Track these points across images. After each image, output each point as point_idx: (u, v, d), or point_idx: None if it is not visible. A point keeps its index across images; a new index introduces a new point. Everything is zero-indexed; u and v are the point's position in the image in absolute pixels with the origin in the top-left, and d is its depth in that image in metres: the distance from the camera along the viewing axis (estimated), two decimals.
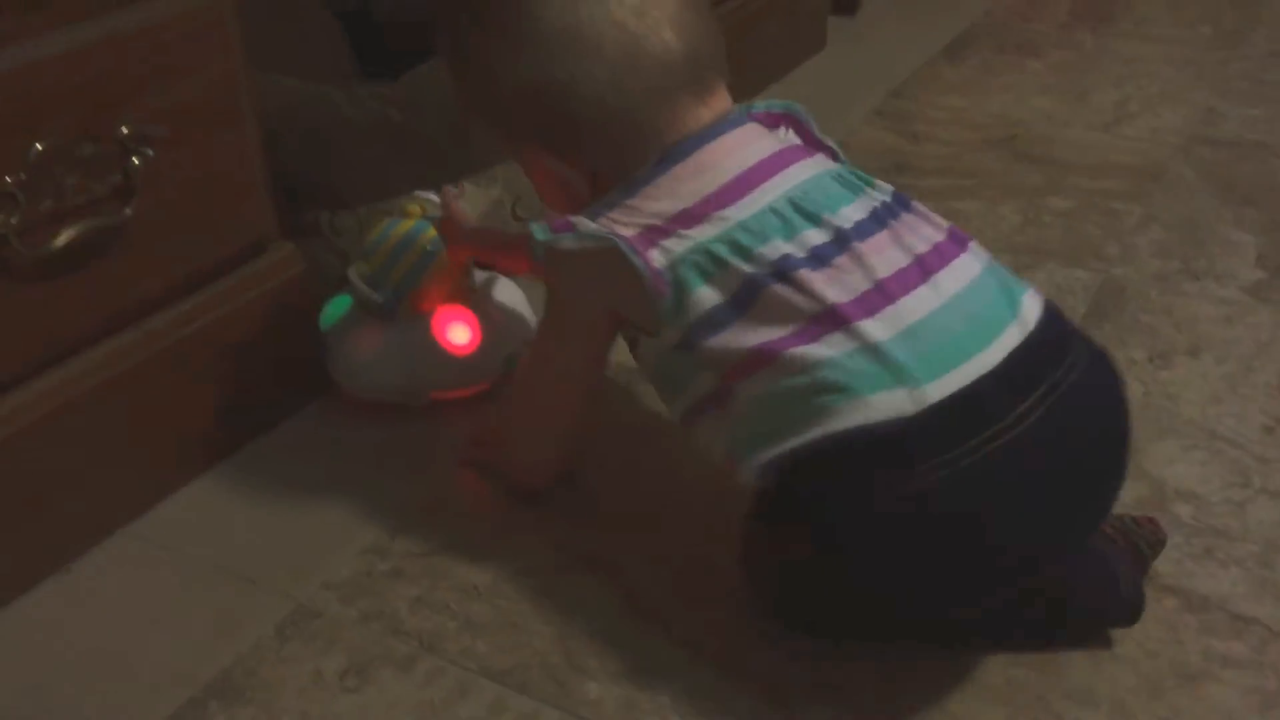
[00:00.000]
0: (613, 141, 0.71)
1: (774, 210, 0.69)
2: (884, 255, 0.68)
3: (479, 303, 0.92)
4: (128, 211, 0.77)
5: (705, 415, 0.71)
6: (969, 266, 0.70)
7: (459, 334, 0.91)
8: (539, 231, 0.71)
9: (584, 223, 0.70)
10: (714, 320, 0.68)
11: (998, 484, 0.63)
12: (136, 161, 0.77)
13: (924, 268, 0.68)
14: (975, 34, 1.65)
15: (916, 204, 0.73)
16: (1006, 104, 1.44)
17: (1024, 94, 1.47)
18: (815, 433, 0.65)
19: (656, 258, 0.69)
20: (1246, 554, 0.79)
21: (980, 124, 1.39)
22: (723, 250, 0.68)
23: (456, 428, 0.91)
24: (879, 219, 0.70)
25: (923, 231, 0.71)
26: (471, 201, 1.00)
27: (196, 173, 0.82)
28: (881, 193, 0.73)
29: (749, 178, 0.70)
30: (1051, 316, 0.69)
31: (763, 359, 0.67)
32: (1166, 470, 0.86)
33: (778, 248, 0.68)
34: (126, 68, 0.76)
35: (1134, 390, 0.93)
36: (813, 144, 0.77)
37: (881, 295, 0.67)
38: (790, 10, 1.50)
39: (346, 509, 0.85)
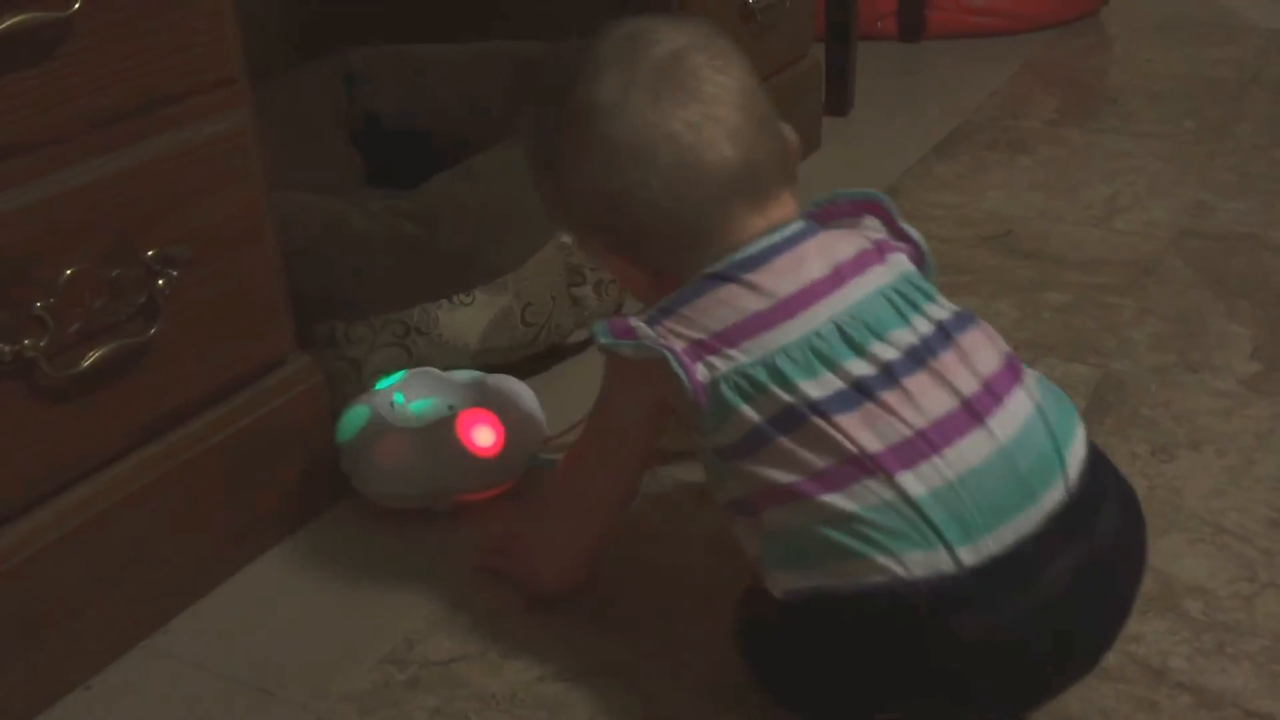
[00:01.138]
0: (669, 245, 0.74)
1: (820, 336, 0.69)
2: (930, 396, 0.68)
3: (499, 404, 0.94)
4: (153, 331, 0.79)
5: (739, 518, 0.73)
6: (1022, 405, 0.70)
7: (483, 436, 0.92)
8: (601, 335, 0.73)
9: (642, 328, 0.72)
10: (750, 441, 0.69)
11: (1026, 644, 0.66)
12: (161, 283, 0.79)
13: (973, 411, 0.68)
14: (966, 131, 1.70)
15: (976, 325, 0.73)
16: (999, 200, 1.47)
17: (1016, 190, 1.50)
18: (844, 582, 0.66)
19: (701, 371, 0.70)
20: (1257, 649, 0.79)
21: (975, 220, 1.42)
22: (762, 375, 0.69)
23: (476, 533, 0.92)
24: (920, 356, 0.69)
25: (976, 363, 0.70)
26: (481, 310, 1.03)
27: (219, 290, 0.85)
28: (941, 310, 0.73)
29: (799, 299, 0.71)
30: (1092, 461, 0.70)
31: (792, 495, 0.68)
32: (1174, 565, 0.87)
33: (819, 380, 0.68)
34: (153, 193, 0.79)
35: (1139, 485, 0.94)
36: (896, 233, 0.77)
37: (924, 443, 0.67)
38: (786, 112, 1.54)
39: (364, 618, 0.86)
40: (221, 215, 0.84)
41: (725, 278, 0.72)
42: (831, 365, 0.69)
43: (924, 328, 0.71)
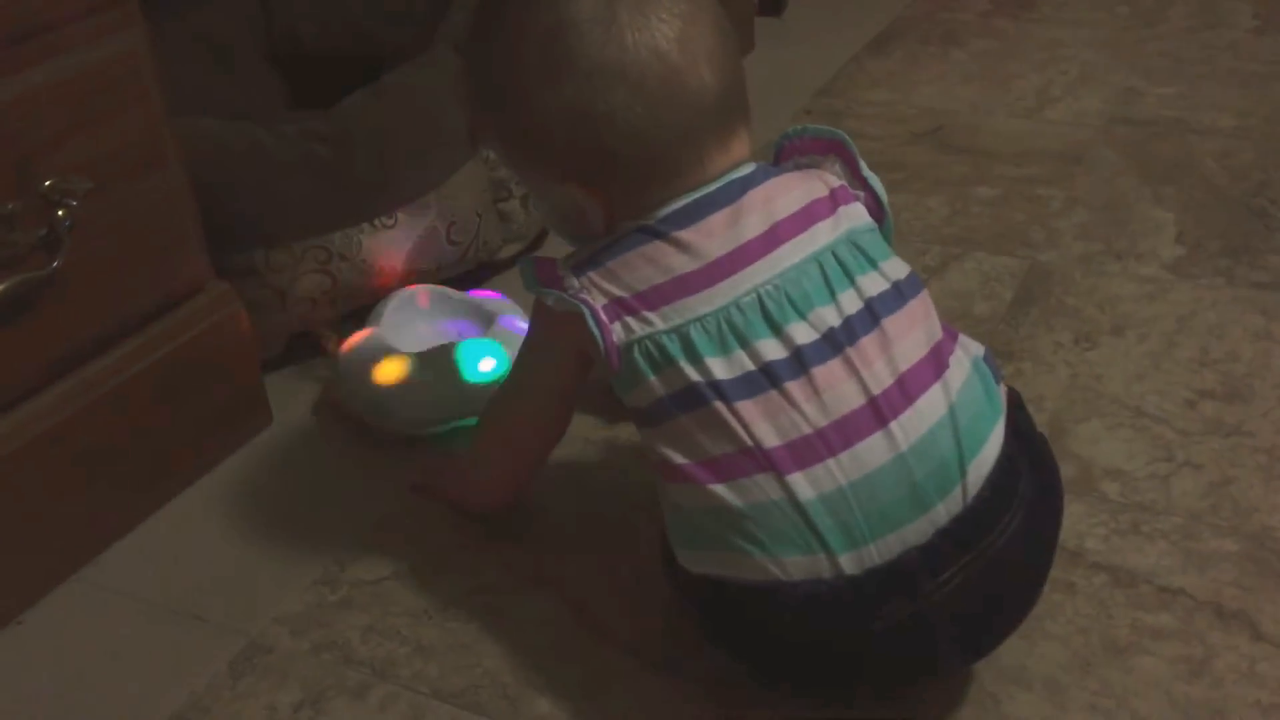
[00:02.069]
0: (639, 176, 0.69)
1: (739, 308, 0.67)
2: (836, 391, 0.65)
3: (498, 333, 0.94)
4: (55, 264, 0.78)
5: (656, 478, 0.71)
6: (933, 408, 0.66)
7: (485, 363, 0.92)
8: (528, 278, 0.72)
9: (568, 277, 0.69)
10: (654, 413, 0.68)
11: (893, 656, 0.65)
12: (61, 214, 0.77)
13: (878, 412, 0.65)
14: (900, 27, 1.68)
15: (909, 302, 0.69)
16: (932, 96, 1.47)
17: (949, 85, 1.49)
18: (730, 572, 0.66)
19: (618, 332, 0.68)
20: (1171, 527, 0.81)
21: (907, 117, 1.42)
22: (673, 347, 0.67)
23: (410, 456, 0.92)
24: (838, 341, 0.66)
25: (897, 352, 0.67)
26: (405, 231, 1.02)
27: (124, 220, 0.83)
28: (877, 282, 0.69)
29: (727, 262, 0.68)
30: (1003, 467, 0.67)
31: (685, 476, 0.67)
32: (1093, 449, 0.88)
33: (728, 359, 0.66)
34: (44, 123, 0.77)
35: (1061, 374, 0.96)
36: (857, 179, 0.73)
37: (822, 444, 0.64)
38: None
39: (294, 542, 0.86)
40: (120, 142, 0.82)
41: (657, 233, 0.69)
42: (744, 342, 0.66)
43: (850, 305, 0.67)
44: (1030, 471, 0.68)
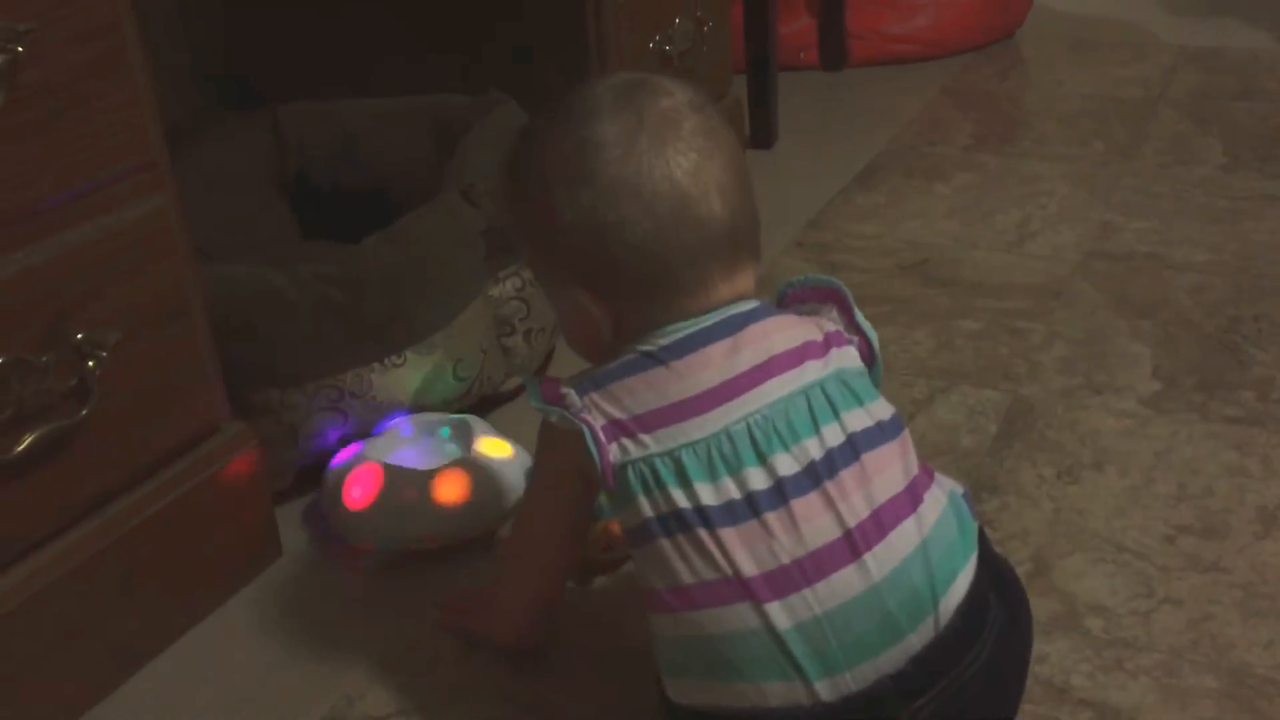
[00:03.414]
0: (645, 290, 0.74)
1: (729, 436, 0.70)
2: (814, 524, 0.69)
3: (472, 461, 0.98)
4: (84, 412, 0.81)
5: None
6: (906, 540, 0.69)
7: (450, 490, 0.96)
8: (533, 396, 0.76)
9: (570, 396, 0.74)
10: (639, 534, 0.72)
11: None
12: (91, 364, 0.82)
13: (853, 544, 0.68)
14: (885, 160, 1.75)
15: (890, 440, 0.73)
16: (916, 229, 1.53)
17: (932, 219, 1.55)
18: (712, 700, 0.69)
19: (614, 452, 0.72)
20: (1153, 663, 0.84)
21: (893, 250, 1.47)
22: (666, 470, 0.70)
23: (438, 593, 0.94)
24: (817, 475, 0.70)
25: (875, 487, 0.70)
26: (413, 369, 1.06)
27: (148, 367, 0.87)
28: (861, 418, 0.72)
29: (721, 391, 0.72)
30: (974, 597, 0.70)
31: (665, 604, 0.70)
32: (1076, 585, 0.91)
33: (716, 485, 0.70)
34: (79, 279, 0.81)
35: (1045, 508, 1.00)
36: (851, 325, 0.77)
37: (799, 574, 0.68)
38: None
39: (304, 676, 0.89)
40: (148, 294, 0.86)
41: (658, 360, 0.73)
42: (733, 470, 0.70)
43: (833, 438, 0.71)
44: (999, 602, 0.72)
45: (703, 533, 0.69)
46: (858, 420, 0.73)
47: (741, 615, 0.68)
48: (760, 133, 1.80)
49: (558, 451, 0.77)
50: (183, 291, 0.89)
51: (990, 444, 1.09)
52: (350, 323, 1.02)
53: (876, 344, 0.78)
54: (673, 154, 0.73)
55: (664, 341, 0.74)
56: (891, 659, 0.68)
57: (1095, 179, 1.63)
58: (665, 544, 0.70)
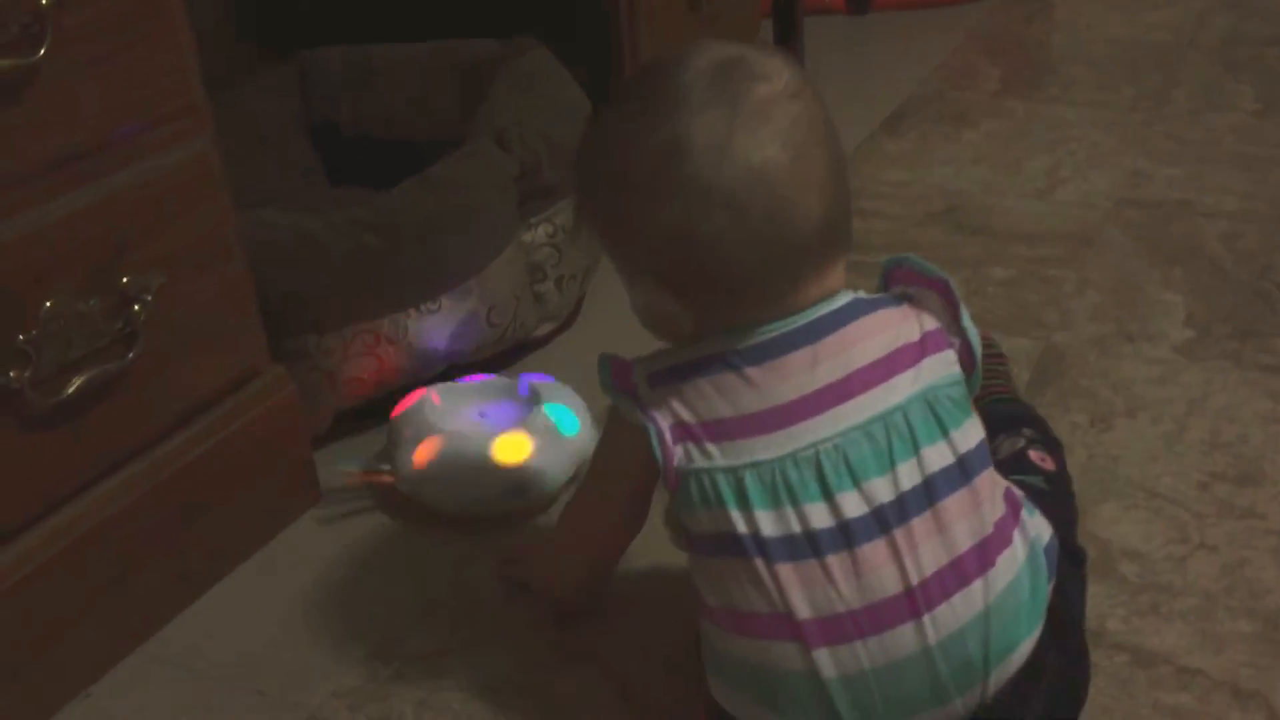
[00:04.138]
0: (732, 297, 0.69)
1: (795, 463, 0.67)
2: (877, 575, 0.65)
3: (536, 426, 0.97)
4: (131, 355, 0.82)
5: None
6: (970, 605, 0.66)
7: (513, 453, 0.96)
8: (605, 380, 0.73)
9: (641, 387, 0.70)
10: (697, 544, 0.70)
11: None
12: (137, 309, 0.82)
13: (914, 604, 0.65)
14: (913, 105, 1.74)
15: (969, 484, 0.68)
16: (946, 176, 1.52)
17: (961, 165, 1.55)
18: (744, 716, 0.69)
19: (679, 456, 0.69)
20: (1189, 608, 0.85)
21: (922, 197, 1.47)
22: (727, 488, 0.67)
23: (497, 541, 0.95)
24: (886, 522, 0.66)
25: (946, 540, 0.66)
26: (448, 315, 1.06)
27: (192, 311, 0.88)
28: (941, 455, 0.68)
29: (795, 409, 0.68)
30: (1031, 663, 0.68)
31: (715, 619, 0.69)
32: (1111, 531, 0.92)
33: (777, 513, 0.66)
34: (125, 223, 0.82)
35: (1078, 455, 1.00)
36: (955, 325, 0.71)
37: (853, 625, 0.65)
38: None
39: (346, 617, 0.90)
40: (191, 238, 0.87)
41: (732, 365, 0.69)
42: (795, 501, 0.66)
43: (908, 480, 0.67)
44: (1058, 658, 0.69)
45: (759, 563, 0.66)
46: (938, 458, 0.68)
47: (788, 655, 0.66)
48: None
49: (621, 438, 0.75)
50: (224, 236, 0.90)
51: (1023, 392, 1.09)
52: (386, 268, 1.02)
53: (979, 350, 0.72)
54: (770, 155, 0.66)
55: (744, 345, 0.69)
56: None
57: (1125, 125, 1.62)
58: (721, 564, 0.68)
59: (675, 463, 0.69)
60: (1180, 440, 1.02)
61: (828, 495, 0.66)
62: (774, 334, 0.69)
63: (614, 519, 0.82)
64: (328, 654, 0.87)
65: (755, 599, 0.66)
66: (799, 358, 0.69)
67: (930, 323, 0.71)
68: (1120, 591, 0.86)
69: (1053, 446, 0.89)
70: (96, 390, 0.81)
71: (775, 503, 0.67)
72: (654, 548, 0.94)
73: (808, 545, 0.66)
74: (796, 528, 0.66)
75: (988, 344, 0.89)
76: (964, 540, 0.67)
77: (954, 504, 0.67)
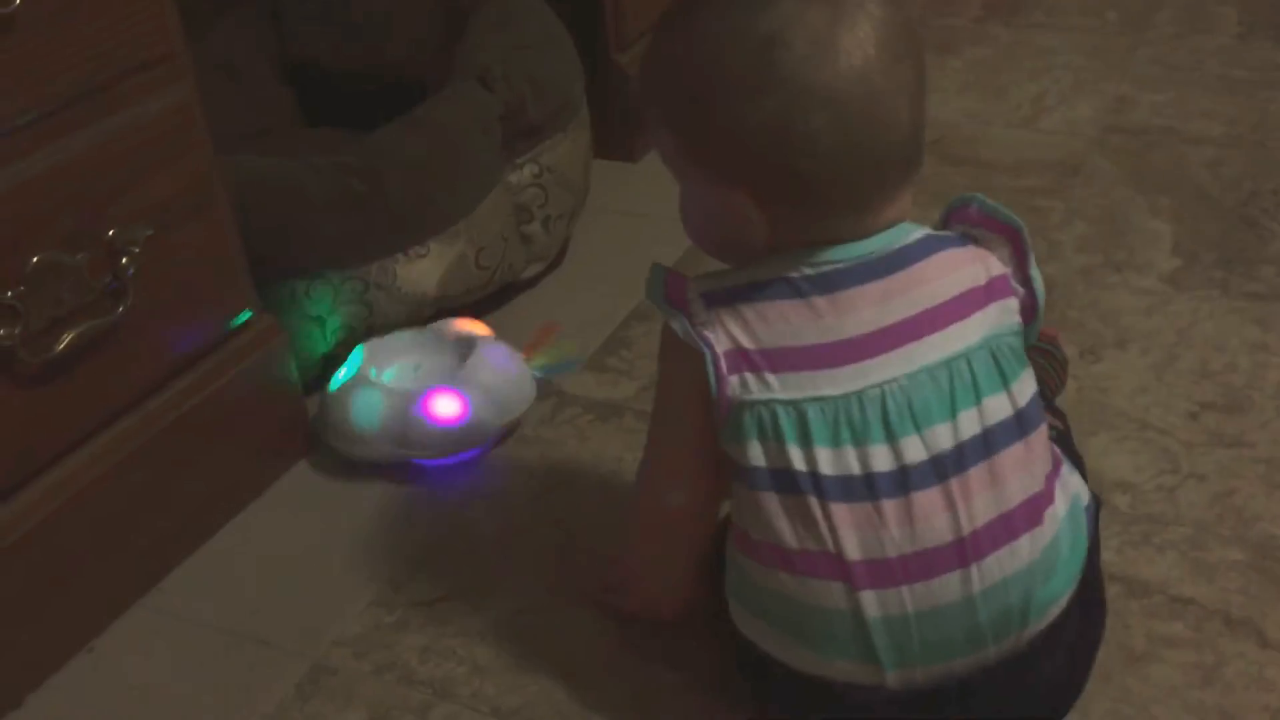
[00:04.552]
0: (816, 202, 0.66)
1: (861, 402, 0.65)
2: (929, 523, 0.65)
3: (470, 377, 0.96)
4: (121, 309, 0.81)
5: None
6: (1016, 558, 0.66)
7: (446, 407, 0.95)
8: (658, 293, 0.69)
9: (695, 304, 0.68)
10: (745, 475, 0.67)
11: None
12: (125, 261, 0.81)
13: (963, 553, 0.65)
14: None
15: (1024, 438, 0.67)
16: (931, 105, 1.50)
17: (946, 94, 1.53)
18: (774, 650, 0.69)
19: (734, 386, 0.66)
20: (1180, 538, 0.86)
21: None
22: (788, 423, 0.65)
23: (593, 575, 0.87)
24: (944, 469, 0.65)
25: (998, 493, 0.66)
26: (437, 259, 1.05)
27: (179, 261, 0.87)
28: (1001, 407, 0.67)
29: (862, 345, 0.66)
30: (1062, 617, 0.69)
31: (759, 555, 0.67)
32: (1103, 462, 0.93)
33: (837, 452, 0.65)
34: (108, 175, 0.80)
35: (1068, 387, 1.00)
36: (1022, 274, 0.70)
37: (902, 570, 0.65)
38: None
39: (346, 565, 0.90)
40: (175, 188, 0.85)
41: (800, 291, 0.67)
42: (857, 441, 0.65)
43: (968, 429, 0.66)
44: (1080, 615, 0.71)
45: (813, 500, 0.65)
46: (998, 409, 0.67)
47: (833, 594, 0.66)
48: None
49: (677, 368, 0.70)
50: (209, 185, 0.88)
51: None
52: (373, 213, 1.01)
53: (1042, 300, 0.71)
54: (871, 56, 0.63)
55: (812, 270, 0.67)
56: (966, 665, 0.67)
57: (1109, 50, 1.61)
58: (772, 498, 0.66)
59: (729, 391, 0.66)
60: (1169, 370, 1.02)
61: (890, 438, 0.65)
62: (845, 264, 0.67)
63: (685, 482, 0.73)
64: (329, 602, 0.87)
65: (805, 537, 0.66)
66: (869, 291, 0.67)
67: (996, 268, 0.70)
68: (1113, 522, 0.87)
69: (1058, 413, 0.88)
70: (88, 346, 0.81)
71: (836, 441, 0.65)
72: None
73: (864, 487, 0.65)
74: (856, 469, 0.65)
75: (1051, 345, 0.90)
76: (1016, 495, 0.67)
77: (1009, 457, 0.67)
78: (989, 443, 0.66)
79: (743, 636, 0.72)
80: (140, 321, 0.84)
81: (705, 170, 0.68)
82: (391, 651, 0.83)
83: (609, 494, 0.94)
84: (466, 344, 1.00)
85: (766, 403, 0.66)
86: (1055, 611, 0.68)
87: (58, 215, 0.78)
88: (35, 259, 0.76)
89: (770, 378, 0.66)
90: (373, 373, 0.98)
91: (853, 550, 0.65)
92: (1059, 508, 0.69)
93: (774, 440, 0.66)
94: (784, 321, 0.67)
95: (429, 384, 0.96)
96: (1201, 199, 1.26)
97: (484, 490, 0.96)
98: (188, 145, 0.86)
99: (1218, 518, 0.87)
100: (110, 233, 0.81)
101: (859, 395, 0.66)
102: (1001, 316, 0.69)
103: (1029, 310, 0.70)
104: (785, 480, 0.66)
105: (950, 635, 0.66)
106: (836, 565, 0.65)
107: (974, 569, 0.65)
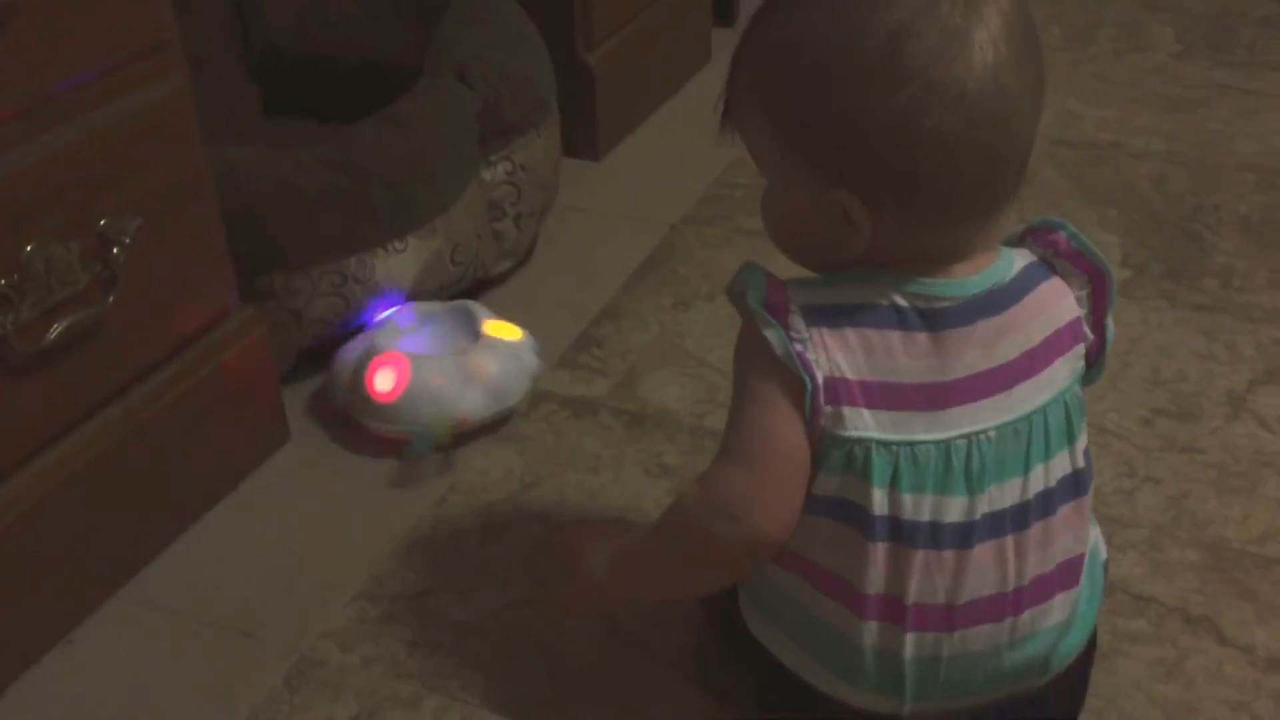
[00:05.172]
0: (930, 208, 0.62)
1: (954, 450, 0.63)
2: (981, 578, 0.64)
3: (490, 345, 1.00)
4: (111, 298, 0.81)
5: None
6: (1051, 616, 0.67)
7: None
8: (756, 295, 0.63)
9: (795, 319, 0.63)
10: (815, 504, 0.64)
11: None
12: (116, 251, 0.81)
13: (1005, 607, 0.65)
14: None
15: (1080, 497, 0.67)
16: None
17: None
18: (790, 662, 0.69)
19: (828, 417, 0.62)
20: (1140, 538, 0.90)
21: None
22: (880, 464, 0.62)
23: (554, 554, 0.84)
24: (1003, 526, 0.64)
25: (1050, 551, 0.66)
26: (414, 255, 1.06)
27: (167, 252, 0.86)
28: (1065, 463, 0.66)
29: (964, 388, 0.63)
30: (1075, 664, 0.70)
31: (810, 577, 0.66)
32: None
33: (916, 499, 0.63)
34: (101, 165, 0.80)
35: None
36: (1097, 320, 0.68)
37: (948, 619, 0.65)
38: (677, 27, 1.58)
39: (329, 556, 0.90)
40: (167, 179, 0.85)
41: (908, 321, 0.63)
42: (938, 490, 0.63)
43: (1035, 486, 0.65)
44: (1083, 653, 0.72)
45: (884, 545, 0.63)
46: (1061, 466, 0.66)
47: (878, 632, 0.65)
48: (723, 9, 1.78)
49: (772, 379, 0.63)
50: (198, 176, 0.88)
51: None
52: (354, 208, 1.01)
53: (1109, 349, 0.69)
54: (1004, 55, 0.59)
55: (923, 304, 0.63)
56: (981, 701, 0.68)
57: (1054, 65, 1.64)
58: (837, 529, 0.64)
59: (821, 422, 0.62)
60: (1124, 377, 1.07)
61: (971, 491, 0.63)
62: (961, 296, 0.63)
63: (761, 513, 0.64)
64: (313, 595, 0.87)
65: (867, 575, 0.64)
66: (975, 333, 0.63)
67: (1074, 309, 0.67)
68: None
69: None
70: (77, 335, 0.80)
71: (919, 487, 0.63)
72: (632, 491, 0.96)
73: (931, 535, 0.63)
74: (927, 515, 0.63)
75: None
76: (1061, 554, 0.66)
77: (1062, 518, 0.66)
78: (1048, 502, 0.65)
79: (760, 646, 0.72)
80: (128, 312, 0.83)
81: (810, 167, 0.63)
82: (379, 644, 0.83)
83: (588, 490, 0.96)
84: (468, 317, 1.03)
85: (860, 441, 0.62)
86: (1070, 660, 0.70)
87: (53, 204, 0.77)
88: (29, 247, 0.75)
89: (867, 414, 0.62)
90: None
91: (910, 594, 0.64)
92: (1089, 567, 0.70)
93: (860, 479, 0.63)
94: (888, 354, 0.63)
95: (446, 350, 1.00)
96: (1148, 212, 1.31)
97: (463, 485, 0.97)
98: (180, 135, 0.86)
99: (1174, 520, 0.92)
100: (103, 221, 0.80)
101: (950, 444, 0.63)
102: (1075, 363, 0.67)
103: (1093, 355, 0.69)
104: (857, 516, 0.64)
105: (976, 677, 0.67)
106: (894, 608, 0.64)
107: (1008, 623, 0.65)
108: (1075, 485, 0.67)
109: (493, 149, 1.15)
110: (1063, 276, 0.68)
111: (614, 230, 1.28)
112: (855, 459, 0.63)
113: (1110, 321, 0.69)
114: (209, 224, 0.90)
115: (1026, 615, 0.66)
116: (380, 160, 1.01)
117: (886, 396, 0.63)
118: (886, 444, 0.62)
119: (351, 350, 1.01)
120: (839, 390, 0.62)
